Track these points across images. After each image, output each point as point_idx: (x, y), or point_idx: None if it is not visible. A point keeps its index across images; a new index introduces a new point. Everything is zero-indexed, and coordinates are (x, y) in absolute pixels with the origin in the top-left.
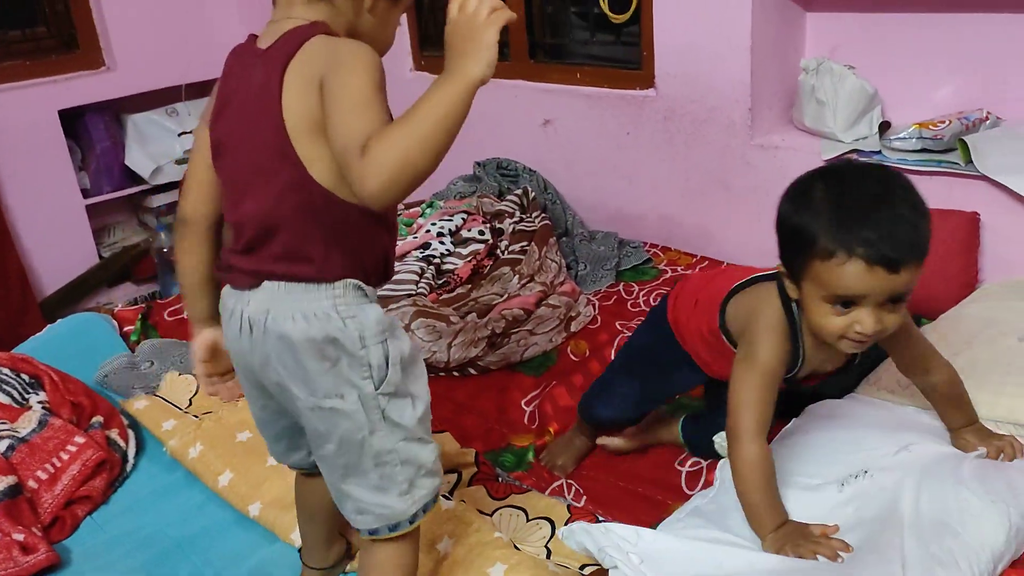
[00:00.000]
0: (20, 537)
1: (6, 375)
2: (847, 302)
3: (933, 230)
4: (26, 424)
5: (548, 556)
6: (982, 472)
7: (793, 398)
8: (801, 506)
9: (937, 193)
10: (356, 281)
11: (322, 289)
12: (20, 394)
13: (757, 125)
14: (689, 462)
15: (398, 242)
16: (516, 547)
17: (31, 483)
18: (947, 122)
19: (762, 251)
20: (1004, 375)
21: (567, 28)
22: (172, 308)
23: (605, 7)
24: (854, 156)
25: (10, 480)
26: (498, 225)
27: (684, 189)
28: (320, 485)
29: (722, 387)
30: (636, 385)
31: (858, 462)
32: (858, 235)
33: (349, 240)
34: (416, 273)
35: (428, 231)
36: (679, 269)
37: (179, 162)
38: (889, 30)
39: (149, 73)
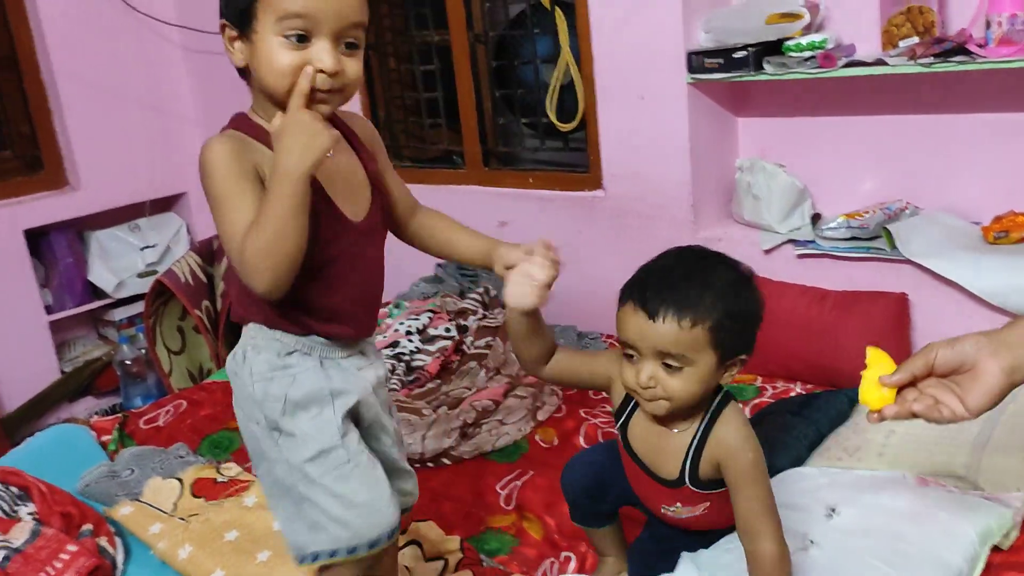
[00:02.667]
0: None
1: None
2: (630, 354)
3: (861, 311)
4: (19, 535)
5: None
6: (919, 522)
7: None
8: None
9: (868, 277)
10: (263, 326)
11: (245, 328)
12: (9, 506)
13: (700, 220)
14: None
15: None
16: None
17: None
18: (871, 212)
19: None
20: (939, 437)
21: (519, 137)
22: (147, 417)
23: (553, 117)
24: (791, 245)
25: None
26: (463, 322)
27: None
28: None
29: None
30: (597, 456)
31: (800, 532)
32: (634, 283)
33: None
34: (388, 370)
35: (396, 330)
36: None
37: (141, 276)
38: (813, 131)
39: (113, 191)
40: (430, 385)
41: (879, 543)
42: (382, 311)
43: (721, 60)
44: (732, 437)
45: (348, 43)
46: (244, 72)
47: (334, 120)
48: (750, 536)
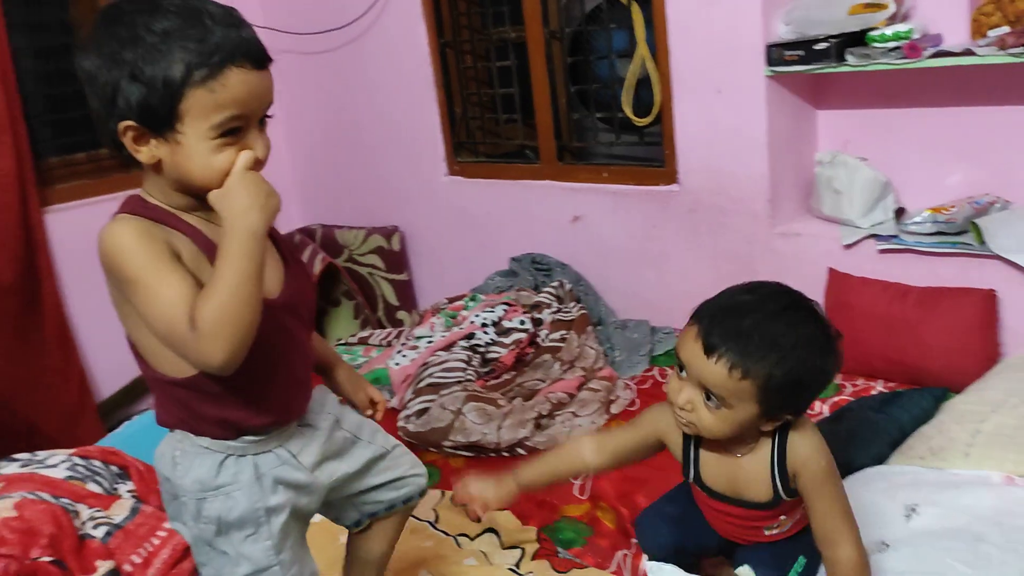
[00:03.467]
0: None
1: (97, 467)
2: (681, 367)
3: (946, 308)
4: (120, 511)
5: None
6: (1000, 523)
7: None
8: None
9: (954, 273)
10: (190, 434)
11: (169, 434)
12: (110, 484)
13: (778, 214)
14: None
15: (444, 334)
16: None
17: (127, 567)
18: (958, 207)
19: None
20: None
21: (593, 132)
22: None
23: (629, 112)
24: (872, 240)
25: (109, 564)
26: (537, 315)
27: (711, 276)
28: (366, 541)
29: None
30: (672, 511)
31: (876, 535)
32: (708, 310)
33: (173, 399)
34: (463, 361)
35: (472, 322)
36: None
37: None
38: (897, 123)
39: None
40: (505, 376)
41: (960, 544)
42: (459, 304)
43: (802, 52)
44: (805, 447)
45: (262, 120)
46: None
47: None
48: (829, 542)
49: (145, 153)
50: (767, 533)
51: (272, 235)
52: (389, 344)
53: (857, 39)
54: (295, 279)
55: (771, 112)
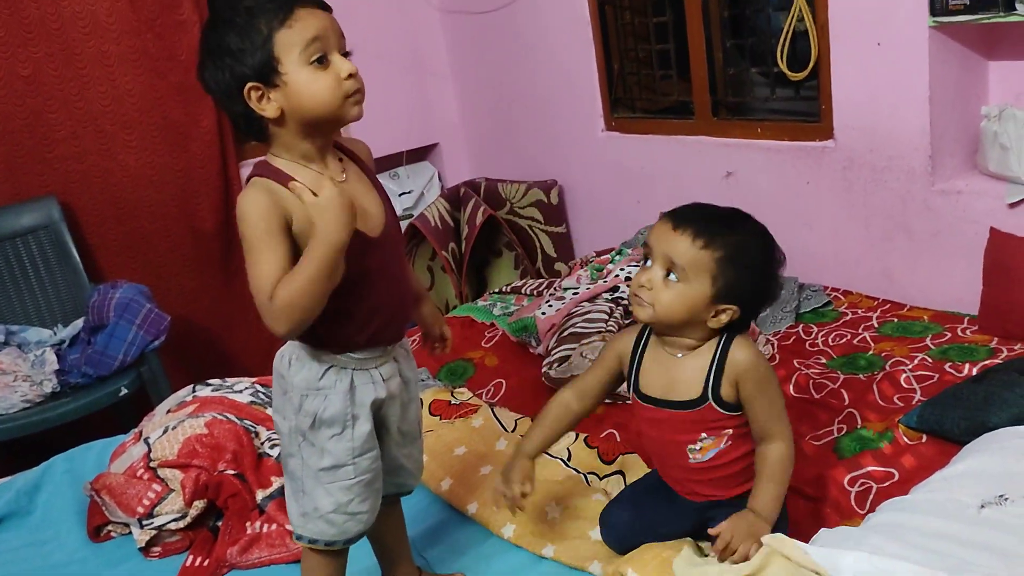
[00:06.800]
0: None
1: None
2: (646, 257)
3: None
4: None
5: None
6: None
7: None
8: (941, 522)
9: None
10: (305, 345)
11: (290, 342)
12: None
13: (938, 171)
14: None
15: (589, 286)
16: None
17: None
18: None
19: (946, 293)
20: None
21: (748, 86)
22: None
23: (784, 66)
24: None
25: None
26: None
27: (865, 235)
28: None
29: None
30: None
31: (998, 487)
32: (677, 207)
33: None
34: (606, 313)
35: (616, 275)
36: (860, 312)
37: (400, 218)
38: None
39: (375, 142)
40: None
41: None
42: (605, 258)
43: (967, 1)
44: (746, 355)
45: (345, 54)
46: (264, 125)
47: (342, 147)
48: (764, 438)
49: (270, 108)
50: (691, 459)
51: (374, 183)
52: (539, 293)
53: None
54: (391, 221)
55: (934, 64)
